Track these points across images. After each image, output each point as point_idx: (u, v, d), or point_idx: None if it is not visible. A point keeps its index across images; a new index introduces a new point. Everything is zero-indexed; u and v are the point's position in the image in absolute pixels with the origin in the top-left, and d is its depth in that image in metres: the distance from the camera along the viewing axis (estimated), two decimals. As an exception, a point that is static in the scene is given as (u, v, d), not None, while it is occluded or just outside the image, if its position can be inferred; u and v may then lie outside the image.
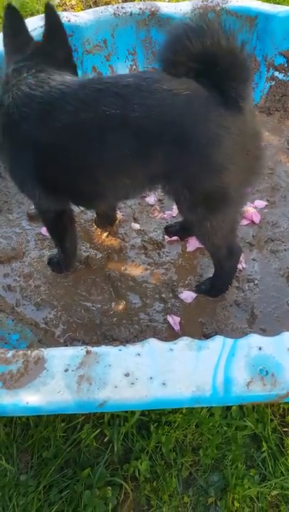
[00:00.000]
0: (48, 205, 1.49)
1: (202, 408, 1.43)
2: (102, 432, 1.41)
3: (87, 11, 2.28)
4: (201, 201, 1.33)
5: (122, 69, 2.40)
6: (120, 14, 2.25)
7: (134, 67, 2.43)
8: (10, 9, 1.36)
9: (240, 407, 1.47)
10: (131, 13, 2.26)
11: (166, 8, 2.29)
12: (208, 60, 1.14)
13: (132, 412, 1.41)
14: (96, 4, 3.20)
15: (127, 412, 1.41)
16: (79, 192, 1.44)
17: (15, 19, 1.37)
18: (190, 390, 1.01)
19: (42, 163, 1.32)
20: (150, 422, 1.43)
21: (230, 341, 1.10)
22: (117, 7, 2.27)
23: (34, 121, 1.25)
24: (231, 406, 1.46)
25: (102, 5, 3.18)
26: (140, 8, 2.27)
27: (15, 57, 1.36)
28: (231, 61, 1.14)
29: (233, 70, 1.15)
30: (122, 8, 2.27)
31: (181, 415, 1.41)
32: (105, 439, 1.42)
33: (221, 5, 2.26)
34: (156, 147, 1.23)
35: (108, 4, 3.19)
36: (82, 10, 3.06)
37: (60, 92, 1.23)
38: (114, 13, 2.24)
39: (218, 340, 1.10)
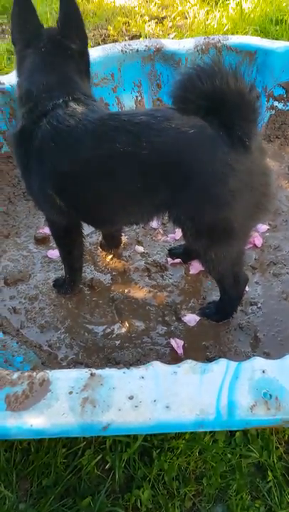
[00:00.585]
0: (60, 220, 1.55)
1: (205, 434, 1.41)
2: (103, 458, 1.39)
3: (97, 48, 2.39)
4: (204, 232, 1.37)
5: (128, 99, 2.49)
6: (127, 51, 2.36)
7: (139, 97, 2.52)
8: None
9: (245, 433, 1.45)
10: (137, 49, 2.38)
11: (170, 44, 2.40)
12: (218, 98, 1.20)
13: (135, 438, 1.39)
14: (104, 42, 3.35)
15: (129, 437, 1.39)
16: (91, 216, 1.53)
17: (25, 6, 1.42)
18: (194, 414, 1.00)
19: (60, 187, 1.40)
20: (153, 448, 1.40)
21: (233, 364, 1.10)
22: (125, 44, 2.39)
23: (59, 153, 1.33)
24: (235, 432, 1.44)
25: (110, 42, 3.32)
26: (146, 45, 2.38)
27: (29, 58, 1.42)
28: (239, 101, 1.20)
29: (241, 110, 1.21)
30: (128, 45, 2.38)
31: (184, 441, 1.39)
32: (107, 466, 1.40)
33: (222, 41, 2.37)
34: (162, 182, 1.29)
35: (115, 40, 3.34)
36: (92, 47, 3.19)
37: (84, 128, 1.30)
38: (122, 50, 2.35)
39: (222, 363, 1.10)
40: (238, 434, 1.44)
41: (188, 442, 1.39)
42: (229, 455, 1.41)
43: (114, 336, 1.69)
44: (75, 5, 1.42)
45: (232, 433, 1.45)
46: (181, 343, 1.64)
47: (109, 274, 1.90)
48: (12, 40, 1.49)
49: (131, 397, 1.02)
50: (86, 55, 1.51)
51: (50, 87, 1.38)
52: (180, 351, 1.62)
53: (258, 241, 1.97)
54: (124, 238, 2.02)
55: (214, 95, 1.19)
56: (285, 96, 2.48)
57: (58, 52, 1.43)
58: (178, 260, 1.92)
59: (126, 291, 1.84)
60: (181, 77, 1.26)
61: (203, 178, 1.26)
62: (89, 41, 3.24)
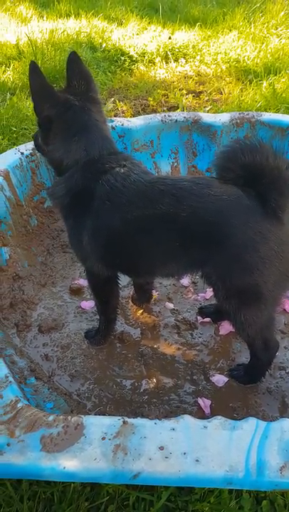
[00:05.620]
0: (102, 272, 1.64)
1: (231, 499, 1.38)
2: (126, 515, 1.37)
3: (139, 117, 2.63)
4: (234, 294, 1.43)
5: (165, 165, 2.68)
6: (167, 121, 2.57)
7: (175, 164, 2.70)
8: (33, 65, 1.45)
9: (272, 503, 1.40)
10: (176, 120, 2.59)
11: (207, 117, 2.61)
12: (257, 171, 1.32)
13: (158, 497, 1.36)
14: (144, 111, 3.64)
15: (153, 495, 1.37)
16: (134, 268, 1.63)
17: (41, 75, 1.47)
18: (223, 470, 1.00)
19: (107, 243, 1.51)
20: (176, 509, 1.37)
21: (263, 423, 1.11)
22: (165, 115, 2.61)
23: (112, 211, 1.45)
24: (262, 500, 1.40)
25: (149, 111, 3.62)
26: (184, 117, 2.60)
27: (75, 119, 1.51)
28: (276, 176, 1.31)
29: (277, 184, 1.32)
30: (168, 116, 2.61)
31: (208, 504, 1.35)
32: (129, 525, 1.36)
33: (255, 117, 2.57)
34: (198, 243, 1.39)
35: (154, 110, 3.63)
36: (132, 115, 3.49)
37: (136, 189, 1.42)
38: (162, 120, 2.57)
39: (252, 421, 1.11)
40: (264, 502, 1.39)
41: (213, 505, 1.35)
42: (255, 525, 1.36)
43: (142, 390, 1.71)
44: (82, 62, 1.57)
45: (258, 501, 1.41)
46: (208, 402, 1.64)
47: (139, 329, 1.95)
48: (41, 110, 1.51)
49: (161, 448, 1.04)
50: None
51: (107, 146, 1.53)
52: (207, 411, 1.62)
53: (288, 306, 2.00)
54: (155, 294, 2.09)
55: (254, 168, 1.32)
56: (315, 169, 2.60)
57: (96, 109, 1.57)
58: (208, 319, 1.95)
59: (155, 346, 1.87)
60: (225, 149, 1.40)
61: (236, 243, 1.35)
62: (130, 110, 3.58)
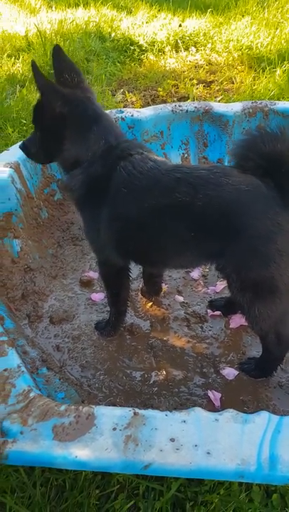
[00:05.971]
0: (113, 261, 1.64)
1: (241, 491, 1.38)
2: (136, 504, 1.37)
3: (149, 107, 2.60)
4: (249, 287, 1.41)
5: (175, 156, 2.66)
6: (177, 111, 2.55)
7: (185, 155, 2.68)
8: (34, 64, 1.41)
9: (282, 496, 1.40)
10: (187, 110, 2.56)
11: (219, 107, 2.58)
12: (277, 161, 1.30)
13: (168, 487, 1.37)
14: (154, 101, 3.61)
15: (162, 485, 1.38)
16: (148, 257, 1.63)
17: (41, 73, 1.44)
18: (234, 463, 1.00)
19: (122, 231, 1.50)
20: (186, 500, 1.38)
21: (275, 418, 1.10)
22: (175, 105, 2.58)
23: (129, 199, 1.44)
24: (272, 494, 1.40)
25: (159, 102, 3.58)
26: (195, 107, 2.57)
27: (86, 109, 1.49)
28: None
29: None
30: (179, 106, 2.58)
31: (218, 496, 1.36)
32: (138, 514, 1.38)
33: (269, 106, 2.53)
34: (213, 233, 1.37)
35: (164, 101, 3.59)
36: (141, 106, 3.45)
37: (153, 176, 1.41)
38: (172, 110, 2.54)
39: (264, 415, 1.11)
40: (274, 496, 1.39)
41: (223, 497, 1.36)
42: (265, 517, 1.36)
43: (152, 382, 1.71)
44: (66, 55, 1.56)
45: (268, 494, 1.41)
46: (218, 395, 1.64)
47: (148, 321, 1.95)
48: (52, 109, 1.47)
49: (172, 440, 1.04)
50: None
51: (121, 133, 1.55)
52: (217, 404, 1.62)
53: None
54: (164, 287, 2.08)
55: (274, 157, 1.30)
56: None
57: (94, 98, 1.57)
58: (218, 313, 1.94)
59: (165, 339, 1.87)
60: (244, 137, 1.38)
61: (253, 234, 1.32)
62: (139, 101, 3.55)
